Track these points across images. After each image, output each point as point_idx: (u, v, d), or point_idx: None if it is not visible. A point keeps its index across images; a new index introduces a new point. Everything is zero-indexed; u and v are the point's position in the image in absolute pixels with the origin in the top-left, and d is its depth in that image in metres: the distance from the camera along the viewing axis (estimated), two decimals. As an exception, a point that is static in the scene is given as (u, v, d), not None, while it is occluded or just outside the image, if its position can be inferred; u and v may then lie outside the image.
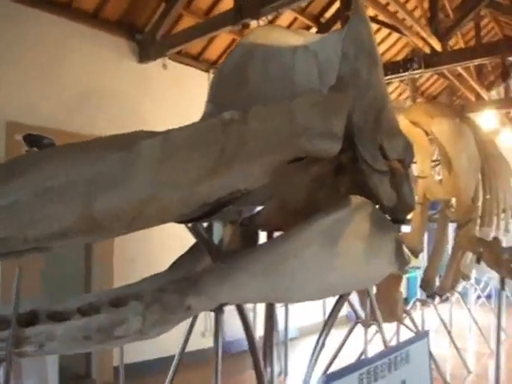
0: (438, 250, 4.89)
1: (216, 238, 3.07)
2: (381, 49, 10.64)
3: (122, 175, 1.87)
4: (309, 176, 3.02)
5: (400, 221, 3.50)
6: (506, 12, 10.32)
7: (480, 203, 4.94)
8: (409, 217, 3.62)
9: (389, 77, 7.36)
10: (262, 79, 3.34)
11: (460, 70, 8.84)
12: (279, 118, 2.36)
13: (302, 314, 8.64)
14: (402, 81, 11.64)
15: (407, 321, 5.58)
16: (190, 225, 2.76)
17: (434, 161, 5.19)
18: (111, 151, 1.94)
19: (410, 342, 2.45)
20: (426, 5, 7.85)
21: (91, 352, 6.74)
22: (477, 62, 7.00)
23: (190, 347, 5.30)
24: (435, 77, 12.66)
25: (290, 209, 3.01)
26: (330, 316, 3.34)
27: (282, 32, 3.51)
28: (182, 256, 2.86)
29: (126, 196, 1.84)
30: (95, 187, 1.78)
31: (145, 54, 7.51)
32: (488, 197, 4.94)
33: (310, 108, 2.48)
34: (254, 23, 5.61)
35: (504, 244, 5.48)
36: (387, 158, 2.83)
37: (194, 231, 2.72)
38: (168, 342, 3.90)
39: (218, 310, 2.55)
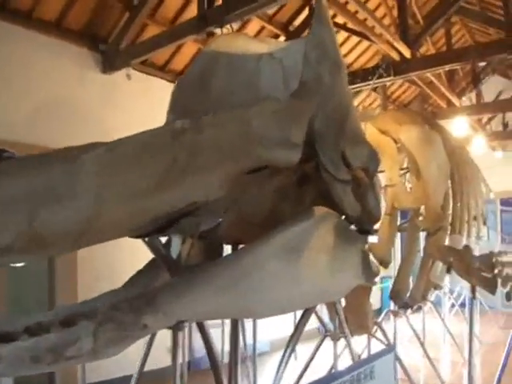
0: (408, 260, 4.83)
1: (175, 252, 2.97)
2: (352, 56, 10.73)
3: (66, 189, 1.76)
4: (271, 187, 2.96)
5: (366, 231, 3.46)
6: (476, 18, 10.40)
7: (450, 211, 4.92)
8: (376, 227, 3.57)
9: (358, 84, 7.36)
10: (226, 87, 3.27)
11: (431, 77, 8.87)
12: (235, 126, 2.29)
13: (273, 328, 8.58)
14: (374, 89, 11.72)
15: (379, 333, 5.55)
16: (146, 239, 2.68)
17: (403, 169, 5.15)
18: (56, 164, 1.80)
19: (374, 357, 2.39)
20: (395, 12, 7.86)
21: (54, 371, 6.62)
22: (447, 67, 7.01)
23: (162, 363, 5.18)
24: (407, 84, 12.74)
25: (253, 221, 2.95)
26: (295, 330, 3.26)
27: (246, 40, 3.45)
28: (139, 271, 2.75)
29: (70, 211, 1.73)
30: (38, 201, 1.68)
31: (108, 64, 7.43)
32: (459, 204, 4.90)
33: (267, 116, 2.42)
34: (218, 31, 5.54)
35: (478, 252, 5.48)
36: (350, 167, 2.77)
37: (151, 245, 2.59)
38: (133, 360, 3.80)
39: (176, 328, 2.41)
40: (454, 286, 7.15)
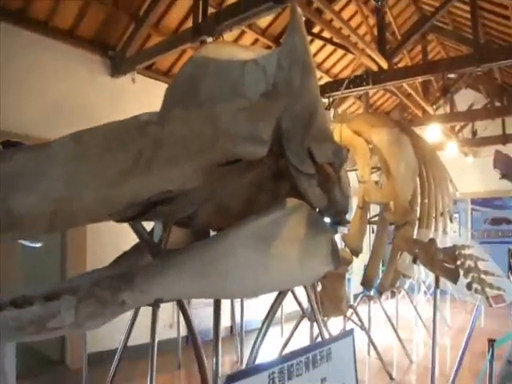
0: (378, 251, 4.72)
1: (157, 236, 2.87)
2: (338, 67, 10.60)
3: (36, 173, 1.75)
4: (247, 180, 2.86)
5: (337, 222, 3.36)
6: (450, 37, 10.31)
7: (418, 207, 4.82)
8: (347, 219, 3.47)
9: (340, 92, 7.23)
10: (213, 92, 3.16)
11: (408, 88, 8.77)
12: (201, 121, 2.22)
13: (265, 307, 8.42)
14: (358, 97, 11.62)
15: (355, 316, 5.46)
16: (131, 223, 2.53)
17: (375, 168, 5.04)
18: (29, 152, 1.82)
19: (332, 340, 2.26)
20: (371, 21, 7.75)
21: (65, 337, 6.63)
22: (420, 78, 6.91)
23: (160, 337, 5.13)
24: (388, 95, 12.65)
25: (232, 211, 2.82)
26: (269, 311, 3.16)
27: (232, 47, 3.39)
28: (124, 253, 2.72)
29: (40, 193, 1.72)
30: (11, 184, 1.69)
31: (116, 69, 7.39)
32: (426, 201, 4.80)
33: (235, 113, 2.34)
34: (210, 40, 5.45)
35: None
36: (316, 162, 2.65)
37: (135, 229, 2.53)
38: (139, 331, 3.74)
39: (155, 305, 2.33)
40: (426, 276, 7.06)
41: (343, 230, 3.40)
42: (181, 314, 3.51)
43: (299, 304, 4.78)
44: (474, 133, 11.64)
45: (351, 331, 2.41)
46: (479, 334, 5.29)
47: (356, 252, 4.53)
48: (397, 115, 13.20)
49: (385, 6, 7.35)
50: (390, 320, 6.24)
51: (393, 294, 8.16)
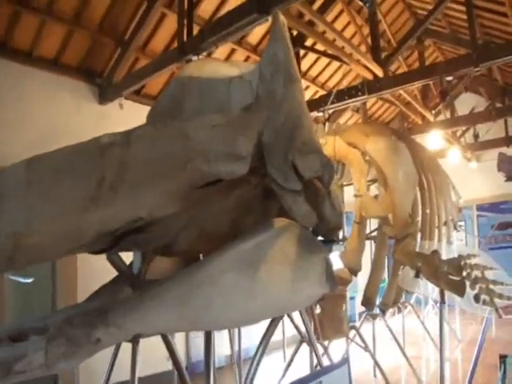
0: (378, 268, 4.53)
1: (136, 268, 2.71)
2: (334, 80, 10.52)
3: None
4: (232, 201, 2.72)
5: (330, 241, 3.20)
6: (447, 40, 10.20)
7: (419, 217, 4.64)
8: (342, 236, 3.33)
9: (336, 104, 7.11)
10: (198, 112, 3.05)
11: (405, 94, 8.62)
12: (170, 140, 2.08)
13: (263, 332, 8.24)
14: (356, 110, 11.50)
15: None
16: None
17: (373, 180, 4.88)
18: None
19: (324, 371, 2.08)
20: (365, 30, 7.64)
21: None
22: (417, 83, 6.73)
23: (157, 369, 4.94)
24: (387, 104, 12.54)
25: (216, 236, 2.69)
26: (262, 339, 2.99)
27: (217, 64, 3.30)
28: (102, 286, 2.56)
29: None
30: None
31: (104, 95, 7.32)
32: (428, 211, 4.62)
33: (209, 129, 2.21)
34: (195, 59, 5.34)
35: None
36: (301, 177, 2.50)
37: (111, 261, 2.41)
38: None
39: (134, 341, 2.17)
40: (433, 289, 6.84)
41: (339, 248, 3.23)
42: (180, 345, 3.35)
43: (297, 328, 4.60)
44: (476, 136, 11.47)
45: (345, 360, 2.24)
46: (490, 345, 5.12)
47: (354, 271, 4.35)
48: (397, 125, 13.07)
49: (376, 8, 7.24)
50: (395, 338, 6.00)
51: (399, 310, 7.91)
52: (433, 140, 10.00)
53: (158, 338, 2.85)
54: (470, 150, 11.80)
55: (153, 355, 5.13)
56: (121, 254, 2.47)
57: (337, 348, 5.27)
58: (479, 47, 6.36)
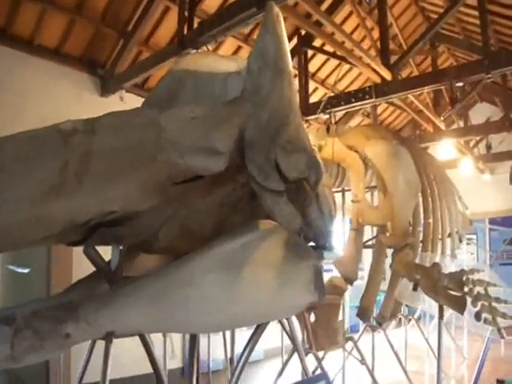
0: (374, 278, 4.32)
1: (114, 263, 2.56)
2: (345, 81, 10.39)
3: None
4: (216, 199, 2.62)
5: (321, 247, 3.03)
6: (460, 46, 10.04)
7: (421, 228, 4.44)
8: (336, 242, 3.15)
9: (343, 107, 6.92)
10: (194, 106, 2.90)
11: (418, 104, 8.43)
12: (141, 130, 1.98)
13: (267, 336, 8.13)
14: (367, 115, 11.31)
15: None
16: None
17: (374, 186, 4.69)
18: None
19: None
20: (376, 34, 7.45)
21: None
22: (427, 88, 6.54)
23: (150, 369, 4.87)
24: (398, 111, 12.34)
25: (199, 235, 2.57)
26: (245, 348, 2.84)
27: (215, 58, 3.19)
28: (79, 281, 2.47)
29: None
30: None
31: (105, 87, 7.23)
32: (430, 220, 4.42)
33: (185, 121, 2.11)
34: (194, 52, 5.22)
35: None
36: (285, 177, 2.33)
37: (86, 254, 2.27)
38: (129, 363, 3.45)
39: (107, 340, 2.13)
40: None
41: (332, 255, 3.05)
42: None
43: (289, 336, 4.43)
44: (489, 147, 11.22)
45: (323, 376, 2.07)
46: (498, 364, 4.95)
47: (350, 279, 4.17)
48: (408, 132, 12.87)
49: (386, 10, 7.05)
50: (395, 352, 5.81)
51: (401, 323, 7.68)
52: (444, 149, 9.79)
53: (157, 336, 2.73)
54: (483, 161, 11.54)
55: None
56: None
57: (333, 360, 5.09)
58: (491, 53, 6.13)
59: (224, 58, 3.46)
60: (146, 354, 2.77)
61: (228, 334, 5.85)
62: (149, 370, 2.77)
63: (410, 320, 7.52)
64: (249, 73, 2.53)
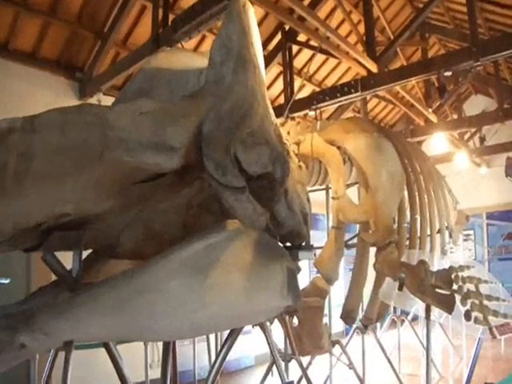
0: (358, 278, 4.19)
1: (75, 269, 2.45)
2: (334, 76, 10.29)
3: None
4: (183, 200, 2.50)
5: (296, 247, 2.91)
6: (451, 36, 9.96)
7: (407, 224, 4.29)
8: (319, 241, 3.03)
9: (327, 102, 6.79)
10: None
11: (407, 95, 8.31)
12: (85, 127, 1.87)
13: (258, 342, 8.02)
14: (358, 111, 11.19)
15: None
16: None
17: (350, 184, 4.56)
18: None
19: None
20: (362, 29, 7.32)
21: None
22: (413, 79, 6.38)
23: (137, 378, 4.86)
24: (390, 106, 12.23)
25: (166, 238, 2.47)
26: (218, 353, 2.75)
27: (188, 55, 3.13)
28: (41, 288, 2.33)
29: None
30: None
31: (84, 91, 7.13)
32: (417, 216, 4.28)
33: (135, 117, 2.00)
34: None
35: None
36: (245, 172, 2.20)
37: (45, 260, 2.15)
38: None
39: (67, 349, 2.14)
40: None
41: (308, 255, 2.92)
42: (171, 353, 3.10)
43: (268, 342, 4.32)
44: (482, 139, 11.10)
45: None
46: (496, 362, 4.84)
47: (330, 280, 4.03)
48: (401, 127, 12.75)
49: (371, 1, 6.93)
50: (386, 355, 5.67)
51: (394, 323, 7.52)
52: (437, 142, 9.67)
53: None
54: (478, 154, 11.41)
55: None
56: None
57: (320, 365, 4.95)
58: (479, 40, 5.99)
59: (197, 54, 3.41)
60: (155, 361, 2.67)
61: (212, 339, 5.73)
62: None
63: (403, 321, 7.36)
64: (211, 64, 2.44)
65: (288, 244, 2.92)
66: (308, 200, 2.88)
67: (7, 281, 4.30)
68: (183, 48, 4.81)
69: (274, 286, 2.58)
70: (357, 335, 5.44)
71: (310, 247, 2.98)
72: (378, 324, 7.11)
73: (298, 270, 3.02)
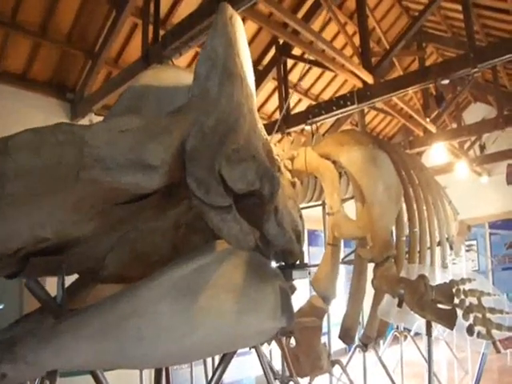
0: (356, 296, 4.08)
1: (58, 295, 2.38)
2: (331, 89, 10.29)
3: None
4: (170, 219, 2.46)
5: (289, 266, 2.83)
6: (448, 44, 9.93)
7: (406, 237, 4.20)
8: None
9: (323, 116, 6.73)
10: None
11: (404, 106, 8.24)
12: (61, 147, 1.80)
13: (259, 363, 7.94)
14: (355, 124, 11.13)
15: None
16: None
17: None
18: None
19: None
20: (357, 41, 7.28)
21: None
22: (410, 89, 6.29)
23: None
24: (388, 118, 12.19)
25: (156, 259, 2.42)
26: (211, 378, 2.67)
27: (177, 72, 3.11)
28: (26, 315, 2.32)
29: None
30: None
31: (75, 112, 7.10)
32: (416, 229, 4.19)
33: (114, 135, 1.93)
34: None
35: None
36: (231, 189, 2.13)
37: (28, 287, 2.15)
38: None
39: (51, 378, 1.94)
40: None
41: (302, 275, 2.85)
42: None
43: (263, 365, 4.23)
44: (482, 147, 11.03)
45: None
46: (502, 375, 4.73)
47: (327, 299, 3.93)
48: (400, 139, 12.70)
49: (365, 12, 6.90)
50: (388, 373, 5.54)
51: (397, 339, 7.38)
52: (436, 152, 9.60)
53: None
54: (478, 163, 11.32)
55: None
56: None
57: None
58: (476, 47, 5.93)
59: (186, 70, 3.37)
60: None
61: (210, 362, 5.63)
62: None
63: (406, 337, 7.24)
64: (196, 78, 2.39)
65: (282, 263, 2.87)
66: (301, 217, 2.80)
67: (1, 306, 4.28)
68: (173, 65, 4.77)
69: (267, 308, 2.52)
70: (358, 353, 5.34)
71: (304, 266, 2.91)
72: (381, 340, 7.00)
73: (293, 289, 2.96)
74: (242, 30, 2.64)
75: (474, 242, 12.87)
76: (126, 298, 2.02)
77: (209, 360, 5.48)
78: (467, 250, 9.64)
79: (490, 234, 12.71)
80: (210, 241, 2.42)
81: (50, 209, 1.78)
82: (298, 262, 2.88)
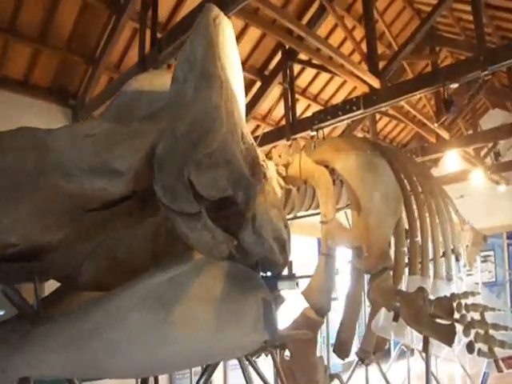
0: (352, 308, 3.97)
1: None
2: (341, 95, 10.20)
3: None
4: (149, 227, 2.40)
5: (275, 277, 2.75)
6: (461, 48, 9.77)
7: (406, 248, 4.07)
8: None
9: (329, 121, 6.64)
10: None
11: (413, 111, 8.12)
12: (23, 152, 1.82)
13: (254, 376, 7.90)
14: (367, 130, 11.02)
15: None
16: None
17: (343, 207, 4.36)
18: None
19: None
20: (364, 47, 7.19)
21: None
22: (418, 93, 6.19)
23: None
24: (402, 125, 12.04)
25: (134, 267, 2.35)
26: None
27: (168, 76, 3.01)
28: (6, 320, 2.21)
29: None
30: None
31: (77, 117, 7.15)
32: (417, 239, 4.06)
33: (79, 139, 1.92)
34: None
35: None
36: (202, 197, 2.05)
37: (4, 294, 2.07)
38: None
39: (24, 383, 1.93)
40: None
41: (289, 285, 2.77)
42: None
43: (262, 377, 4.13)
44: (497, 154, 10.82)
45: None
46: None
47: (320, 311, 3.82)
48: (414, 146, 12.54)
49: (372, 16, 6.82)
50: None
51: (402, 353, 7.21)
52: (450, 160, 9.43)
53: None
54: (495, 170, 11.09)
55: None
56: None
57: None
58: (487, 48, 5.78)
59: None
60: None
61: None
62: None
63: (413, 351, 7.06)
64: (173, 81, 2.34)
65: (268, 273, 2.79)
66: (286, 226, 2.72)
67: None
68: (169, 69, 4.74)
69: (247, 321, 2.49)
70: (360, 367, 5.21)
71: (291, 276, 2.83)
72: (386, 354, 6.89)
73: (281, 300, 2.88)
74: (228, 32, 2.58)
75: (491, 253, 12.63)
76: (97, 307, 2.00)
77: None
78: (483, 261, 9.46)
79: (508, 244, 12.50)
80: (190, 249, 2.36)
81: (13, 215, 1.75)
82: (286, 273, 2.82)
